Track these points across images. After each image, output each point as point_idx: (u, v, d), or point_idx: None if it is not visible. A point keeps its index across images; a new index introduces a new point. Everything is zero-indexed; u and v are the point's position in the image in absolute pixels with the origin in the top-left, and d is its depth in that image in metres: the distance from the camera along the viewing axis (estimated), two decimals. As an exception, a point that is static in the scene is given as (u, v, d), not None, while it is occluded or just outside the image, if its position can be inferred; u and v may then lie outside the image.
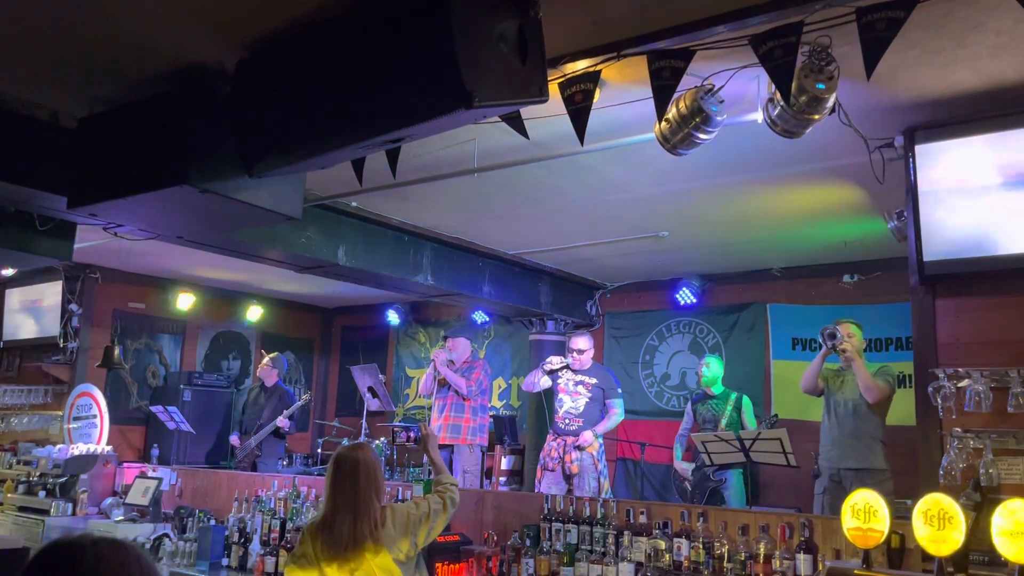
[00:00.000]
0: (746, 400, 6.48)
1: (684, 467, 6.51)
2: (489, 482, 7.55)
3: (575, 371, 6.35)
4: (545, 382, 6.48)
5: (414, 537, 3.28)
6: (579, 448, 6.12)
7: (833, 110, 3.35)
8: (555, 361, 6.47)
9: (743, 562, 3.77)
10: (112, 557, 1.26)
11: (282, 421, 7.61)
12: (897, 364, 6.58)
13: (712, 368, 6.55)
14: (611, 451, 8.09)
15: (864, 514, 3.21)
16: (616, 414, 6.30)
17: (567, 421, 6.26)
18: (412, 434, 4.69)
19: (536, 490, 6.27)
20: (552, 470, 6.21)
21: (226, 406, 8.82)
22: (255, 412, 7.84)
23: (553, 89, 3.06)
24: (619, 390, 6.45)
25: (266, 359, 8.06)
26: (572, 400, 6.29)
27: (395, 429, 7.89)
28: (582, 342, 6.38)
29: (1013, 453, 3.59)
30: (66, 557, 1.25)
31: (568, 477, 6.15)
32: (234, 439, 7.95)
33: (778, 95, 3.20)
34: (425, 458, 6.31)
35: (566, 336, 7.74)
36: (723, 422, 6.30)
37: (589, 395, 6.28)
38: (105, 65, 3.46)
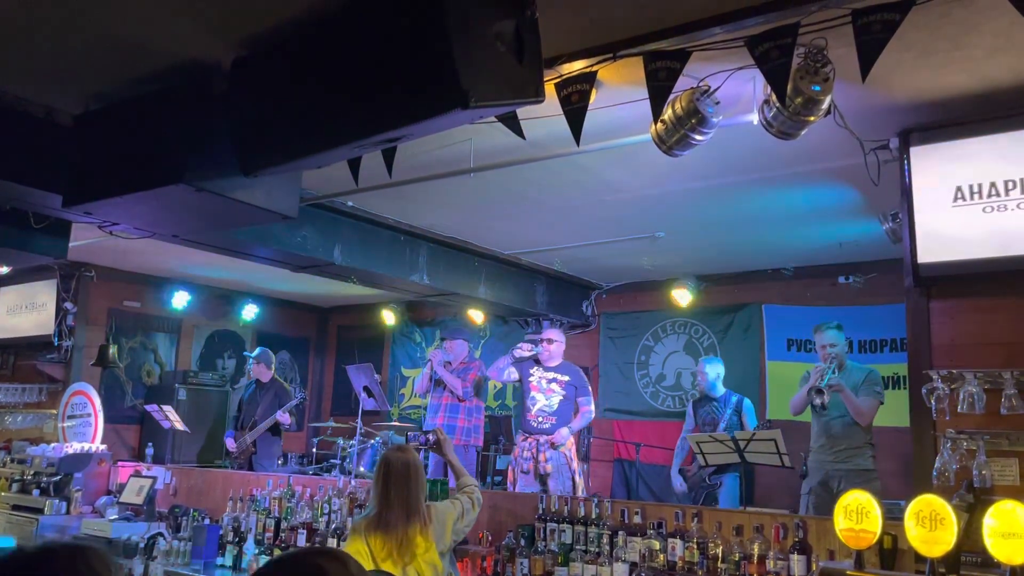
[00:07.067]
0: (747, 403, 6.41)
1: (681, 487, 6.38)
2: (484, 483, 7.55)
3: (547, 368, 6.31)
4: (512, 374, 6.45)
5: (454, 534, 3.55)
6: (553, 446, 6.02)
7: (828, 112, 3.36)
8: (525, 348, 6.41)
9: (737, 562, 3.77)
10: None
11: (282, 416, 7.49)
12: (891, 365, 6.62)
13: (710, 374, 6.43)
14: (607, 452, 8.11)
15: (857, 515, 3.22)
16: (588, 411, 6.30)
17: (540, 419, 6.17)
18: (430, 438, 4.65)
19: None
20: (526, 472, 6.05)
21: (221, 405, 8.78)
22: (251, 409, 7.70)
23: (549, 89, 3.08)
24: (589, 388, 6.47)
25: (250, 361, 7.93)
26: (546, 398, 6.22)
27: (409, 433, 7.76)
28: (553, 333, 6.47)
29: (1006, 454, 3.60)
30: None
31: (542, 477, 6.00)
32: (229, 443, 7.68)
33: (774, 97, 3.20)
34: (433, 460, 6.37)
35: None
36: (722, 425, 6.25)
37: (563, 393, 6.23)
38: (101, 62, 3.46)
